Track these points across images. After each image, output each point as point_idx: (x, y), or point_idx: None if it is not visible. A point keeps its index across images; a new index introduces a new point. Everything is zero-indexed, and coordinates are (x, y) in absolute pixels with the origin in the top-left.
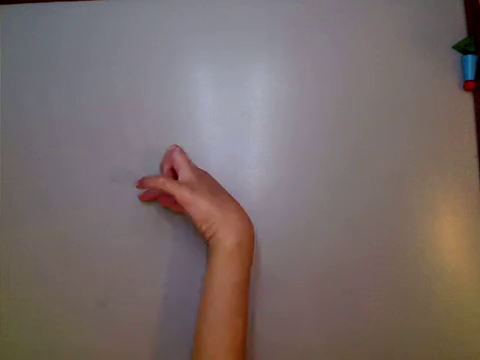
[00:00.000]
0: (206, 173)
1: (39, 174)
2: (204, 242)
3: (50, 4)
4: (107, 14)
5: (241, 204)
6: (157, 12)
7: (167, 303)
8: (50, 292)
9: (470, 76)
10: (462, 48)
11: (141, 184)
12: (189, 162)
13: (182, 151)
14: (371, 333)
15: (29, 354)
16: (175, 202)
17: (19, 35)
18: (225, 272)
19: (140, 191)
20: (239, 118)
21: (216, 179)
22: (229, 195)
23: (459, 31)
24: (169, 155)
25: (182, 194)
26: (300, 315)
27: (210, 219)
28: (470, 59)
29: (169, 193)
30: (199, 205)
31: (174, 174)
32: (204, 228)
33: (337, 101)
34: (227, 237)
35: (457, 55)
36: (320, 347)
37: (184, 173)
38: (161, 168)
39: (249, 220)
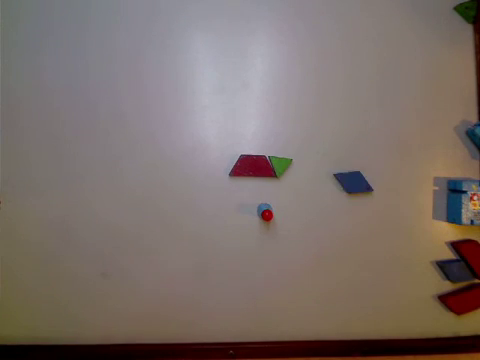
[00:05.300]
0: None
1: (37, 151)
2: None
3: None
4: None
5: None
6: None
7: (163, 274)
8: (53, 266)
9: None
10: (463, 10)
11: None
12: None
13: None
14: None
15: (33, 324)
16: None
17: None
18: None
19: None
20: (240, 89)
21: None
22: None
23: None
24: None
25: None
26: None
27: None
28: None
29: None
30: None
31: None
32: None
33: (339, 69)
34: None
35: (458, 17)
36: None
37: None
38: None
39: None
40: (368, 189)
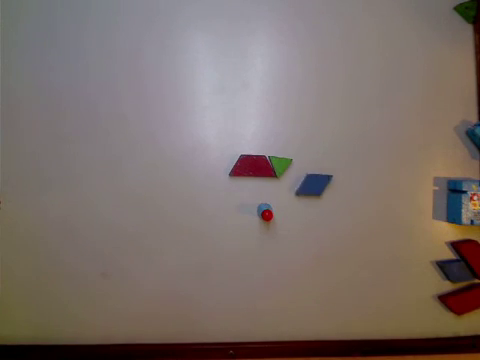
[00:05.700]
0: None
1: (37, 151)
2: None
3: None
4: None
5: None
6: None
7: (163, 274)
8: (53, 266)
9: None
10: (463, 10)
11: None
12: None
13: None
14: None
15: (33, 324)
16: None
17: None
18: None
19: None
20: (240, 89)
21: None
22: None
23: None
24: None
25: None
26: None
27: None
28: None
29: None
30: None
31: None
32: None
33: (339, 69)
34: None
35: (458, 17)
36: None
37: None
38: None
39: None
40: (329, 178)
